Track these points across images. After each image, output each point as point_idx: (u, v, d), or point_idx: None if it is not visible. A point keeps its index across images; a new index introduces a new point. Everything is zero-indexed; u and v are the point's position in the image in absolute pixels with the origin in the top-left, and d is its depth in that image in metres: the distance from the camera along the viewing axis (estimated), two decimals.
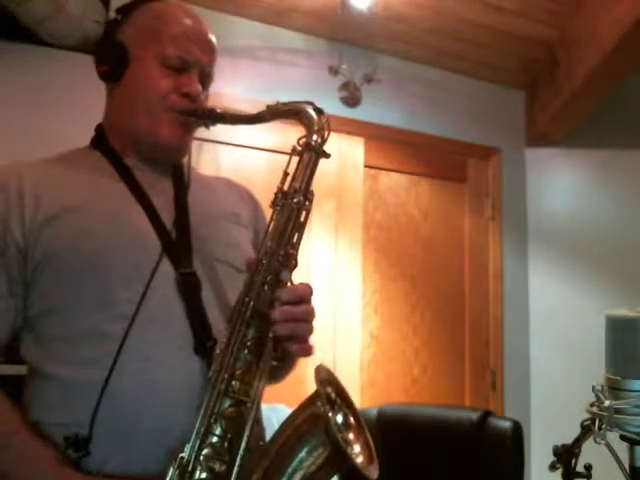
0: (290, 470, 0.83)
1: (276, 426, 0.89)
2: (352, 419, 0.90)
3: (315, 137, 0.96)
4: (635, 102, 2.83)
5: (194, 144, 1.14)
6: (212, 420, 0.84)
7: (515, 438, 1.57)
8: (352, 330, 2.54)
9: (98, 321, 0.90)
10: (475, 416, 1.63)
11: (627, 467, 0.75)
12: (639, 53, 2.21)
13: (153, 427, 0.87)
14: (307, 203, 0.94)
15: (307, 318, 0.92)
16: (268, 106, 0.99)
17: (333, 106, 2.51)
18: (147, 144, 1.03)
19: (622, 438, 0.74)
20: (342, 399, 0.90)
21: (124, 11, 1.07)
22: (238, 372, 0.86)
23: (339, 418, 0.89)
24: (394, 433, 1.68)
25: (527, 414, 2.82)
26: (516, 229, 3.00)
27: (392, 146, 2.80)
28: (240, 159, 2.45)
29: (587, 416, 0.77)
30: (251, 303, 0.88)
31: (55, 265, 0.92)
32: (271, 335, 0.88)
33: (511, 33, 2.62)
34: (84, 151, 1.08)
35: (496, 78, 2.99)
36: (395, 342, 2.68)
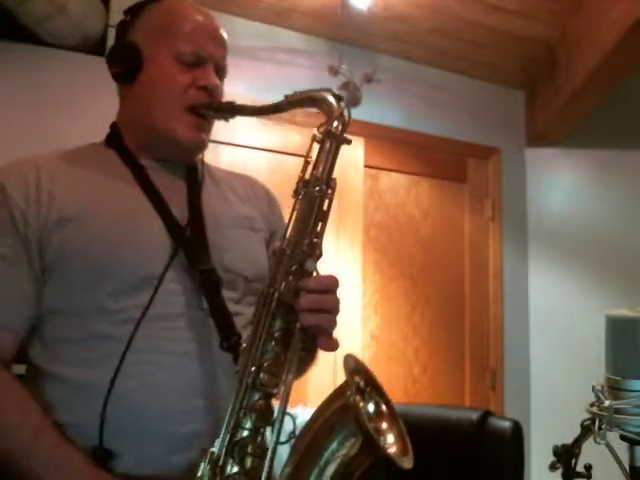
0: (322, 462, 0.82)
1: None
2: (384, 408, 0.88)
3: (335, 124, 0.93)
4: (635, 102, 2.83)
5: None
6: (242, 414, 0.83)
7: (515, 438, 1.57)
8: (352, 330, 2.55)
9: (105, 324, 0.90)
10: (475, 416, 1.63)
11: (627, 467, 0.75)
12: (639, 53, 2.21)
13: (158, 429, 0.87)
14: (329, 191, 0.92)
15: (333, 308, 0.89)
16: (286, 95, 0.97)
17: None
18: (165, 143, 1.03)
19: (622, 438, 0.74)
20: (373, 388, 0.89)
21: (133, 12, 1.07)
22: (266, 364, 0.85)
23: (370, 407, 0.87)
24: None
25: (527, 414, 2.82)
26: (516, 229, 3.00)
27: (392, 146, 2.80)
28: (240, 159, 2.45)
29: (587, 416, 0.77)
30: (276, 294, 0.86)
31: (65, 268, 0.92)
32: (298, 325, 0.86)
33: (511, 33, 2.62)
34: (99, 148, 1.07)
35: (496, 78, 2.99)
36: (395, 342, 2.68)
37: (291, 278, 0.87)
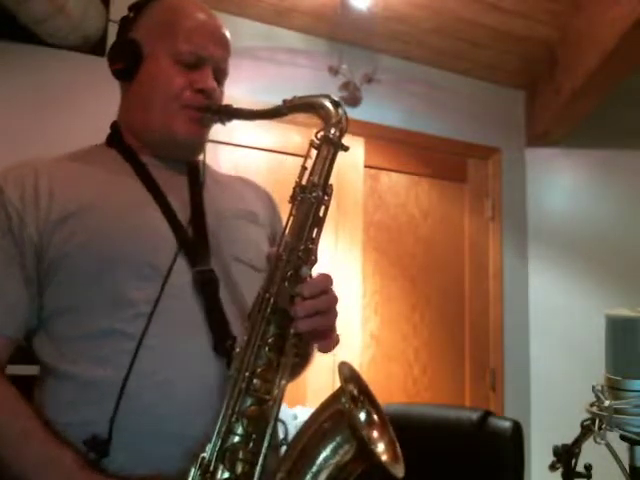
0: (315, 469, 0.82)
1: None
2: (376, 416, 0.88)
3: (333, 130, 0.93)
4: (635, 102, 2.83)
5: None
6: (233, 419, 0.82)
7: (515, 438, 1.57)
8: (352, 330, 2.55)
9: (115, 321, 0.89)
10: (475, 416, 1.63)
11: (627, 467, 0.75)
12: (639, 53, 2.21)
13: (169, 428, 0.86)
14: (326, 198, 0.92)
15: (330, 307, 0.90)
16: (285, 100, 0.97)
17: None
18: (162, 141, 1.03)
19: (622, 438, 0.74)
20: (365, 396, 0.89)
21: (137, 8, 1.06)
22: (259, 370, 0.85)
23: (362, 415, 0.87)
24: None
25: (527, 414, 2.82)
26: (516, 229, 3.00)
27: (392, 146, 2.80)
28: (240, 159, 2.45)
29: (587, 416, 0.77)
30: (271, 299, 0.86)
31: (70, 265, 0.91)
32: (292, 332, 0.86)
33: (511, 33, 2.62)
34: (100, 148, 1.07)
35: (496, 78, 2.99)
36: (395, 342, 2.68)
37: (286, 284, 0.87)
